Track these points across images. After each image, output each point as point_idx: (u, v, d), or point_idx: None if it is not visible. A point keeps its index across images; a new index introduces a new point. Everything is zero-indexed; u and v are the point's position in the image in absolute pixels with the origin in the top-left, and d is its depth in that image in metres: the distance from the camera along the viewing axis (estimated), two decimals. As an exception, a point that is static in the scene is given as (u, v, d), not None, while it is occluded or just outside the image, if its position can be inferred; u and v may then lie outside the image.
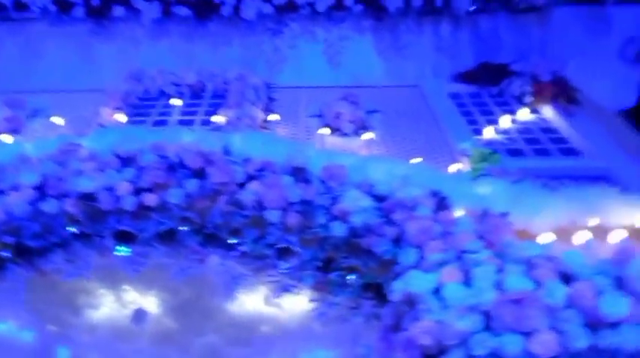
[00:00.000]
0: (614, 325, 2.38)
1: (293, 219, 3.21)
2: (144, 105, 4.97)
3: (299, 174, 3.39)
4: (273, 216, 3.22)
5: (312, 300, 3.44)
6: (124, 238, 3.28)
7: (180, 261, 3.42)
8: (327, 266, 3.17)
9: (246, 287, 4.33)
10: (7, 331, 4.19)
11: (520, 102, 5.20)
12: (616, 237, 3.28)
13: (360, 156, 3.69)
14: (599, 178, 4.01)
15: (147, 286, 4.22)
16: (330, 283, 3.12)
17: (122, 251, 3.28)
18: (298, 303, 4.49)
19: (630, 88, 6.30)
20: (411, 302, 2.45)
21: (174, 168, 3.28)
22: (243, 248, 3.33)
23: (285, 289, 3.42)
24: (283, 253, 3.20)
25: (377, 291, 3.24)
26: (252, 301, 4.39)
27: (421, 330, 2.31)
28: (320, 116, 4.51)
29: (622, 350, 2.36)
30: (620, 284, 2.47)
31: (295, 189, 3.27)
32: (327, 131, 4.37)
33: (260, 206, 3.24)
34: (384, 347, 2.55)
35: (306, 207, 3.22)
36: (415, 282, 2.48)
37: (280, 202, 3.22)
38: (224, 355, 4.52)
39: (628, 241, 3.07)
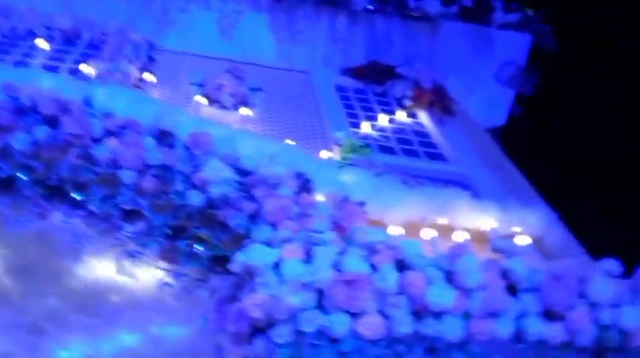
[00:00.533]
0: (438, 315, 2.51)
1: (148, 183, 3.08)
2: (7, 43, 4.57)
3: (163, 137, 3.27)
4: (127, 176, 3.07)
5: (159, 269, 3.32)
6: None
7: (18, 213, 3.16)
8: (176, 234, 3.07)
9: (96, 251, 4.13)
10: None
11: (400, 104, 5.40)
12: (459, 236, 3.49)
13: (230, 129, 3.63)
14: (456, 183, 4.24)
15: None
16: (177, 252, 3.03)
17: None
18: (152, 274, 4.36)
19: (501, 108, 6.78)
20: (249, 274, 2.44)
21: (24, 111, 3.03)
22: (89, 207, 3.14)
23: (131, 255, 3.27)
24: (131, 216, 3.06)
25: (226, 266, 3.20)
26: (104, 268, 4.19)
27: (253, 303, 2.30)
28: (201, 85, 4.39)
29: (443, 338, 2.50)
30: (450, 277, 2.62)
31: (156, 152, 3.15)
32: (204, 101, 4.26)
33: (114, 164, 3.08)
34: (217, 318, 2.52)
35: (164, 171, 3.11)
36: (256, 255, 2.47)
37: (137, 163, 3.08)
38: (68, 322, 4.28)
39: (467, 241, 3.26)
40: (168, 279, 4.08)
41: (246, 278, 2.45)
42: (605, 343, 2.74)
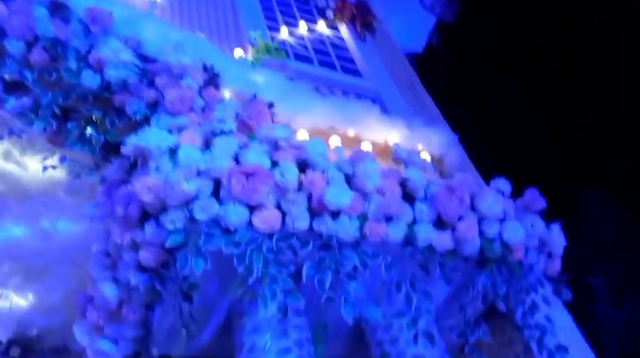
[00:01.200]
0: (335, 214, 2.52)
1: (38, 56, 2.80)
2: None
3: (57, 9, 2.95)
4: (14, 46, 2.76)
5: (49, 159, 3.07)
6: None
7: None
8: (66, 116, 2.84)
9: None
10: None
11: (322, 14, 5.23)
12: (364, 147, 3.51)
13: (135, 11, 3.34)
14: (367, 98, 4.24)
15: None
16: (66, 134, 2.81)
17: None
18: (42, 165, 4.08)
19: (421, 34, 6.79)
20: (142, 158, 2.31)
21: None
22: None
23: (11, 132, 3.00)
24: (15, 89, 2.78)
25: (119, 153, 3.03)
26: (-6, 154, 3.87)
27: (145, 186, 2.19)
28: (106, -36, 3.97)
29: (337, 237, 2.53)
30: (349, 180, 2.62)
31: (48, 23, 2.84)
32: (109, -20, 3.88)
33: (1, 32, 2.76)
34: (106, 202, 2.39)
35: (56, 46, 2.83)
36: (151, 138, 2.33)
37: (25, 33, 2.77)
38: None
39: (371, 151, 3.28)
40: (59, 171, 3.85)
41: (137, 162, 2.31)
42: (489, 254, 2.89)
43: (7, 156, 3.91)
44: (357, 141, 3.61)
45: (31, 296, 4.45)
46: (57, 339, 4.74)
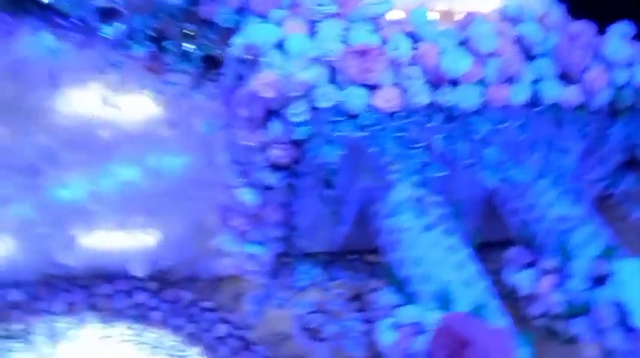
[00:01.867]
0: (454, 83, 2.40)
1: (121, -20, 2.75)
2: None
3: None
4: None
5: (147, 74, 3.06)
6: None
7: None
8: (161, 36, 2.81)
9: (76, 82, 3.88)
10: None
11: None
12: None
13: None
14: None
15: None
16: (165, 53, 2.78)
17: None
18: (141, 106, 4.16)
19: None
20: (251, 56, 2.25)
21: None
22: (60, 19, 2.83)
23: (114, 65, 3.02)
24: (108, 16, 2.76)
25: (219, 70, 3.00)
26: (87, 101, 3.98)
27: (263, 83, 2.14)
28: None
29: (458, 107, 2.41)
30: (463, 45, 2.47)
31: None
32: None
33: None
34: (225, 109, 2.38)
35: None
36: (257, 35, 2.26)
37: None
38: (62, 160, 4.16)
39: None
40: (155, 107, 3.92)
41: (248, 61, 2.26)
42: (620, 103, 2.68)
43: (105, 101, 4.02)
44: (451, 15, 3.38)
45: (156, 233, 4.69)
46: (188, 270, 5.04)
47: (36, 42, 2.95)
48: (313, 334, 3.60)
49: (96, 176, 4.33)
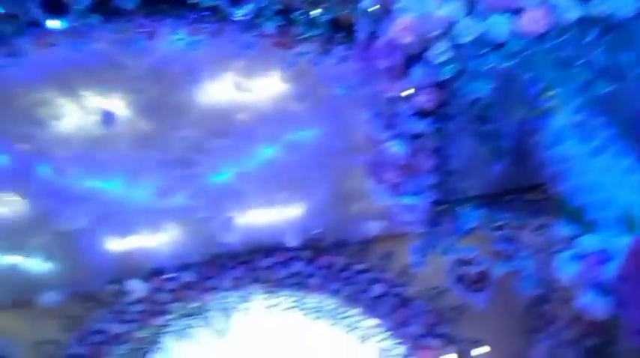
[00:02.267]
0: (605, -7, 2.17)
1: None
2: None
3: None
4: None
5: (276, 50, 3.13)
6: (56, 10, 2.87)
7: (126, 36, 3.08)
8: (288, 10, 2.86)
9: (211, 74, 4.09)
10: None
11: None
12: None
13: None
14: None
15: (106, 88, 3.97)
16: (293, 23, 2.83)
17: (54, 24, 2.86)
18: (271, 85, 4.30)
19: None
20: (384, 6, 2.21)
21: None
22: (193, 14, 2.98)
23: (246, 47, 3.13)
24: (237, 1, 2.86)
25: (347, 32, 3.00)
26: (222, 89, 4.19)
27: (401, 28, 2.10)
28: None
29: (615, 16, 2.19)
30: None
31: None
32: None
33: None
34: (363, 64, 2.37)
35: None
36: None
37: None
38: (209, 148, 4.43)
39: None
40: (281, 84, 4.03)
41: (381, 12, 2.22)
42: None
43: (238, 86, 4.20)
44: None
45: (303, 204, 4.87)
46: (337, 236, 5.19)
47: (174, 40, 3.16)
48: (472, 283, 3.55)
49: (241, 158, 4.58)
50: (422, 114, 2.25)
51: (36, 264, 4.73)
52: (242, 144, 4.53)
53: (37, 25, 2.76)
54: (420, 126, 2.27)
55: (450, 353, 4.92)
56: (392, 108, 2.35)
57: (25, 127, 3.92)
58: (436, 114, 2.23)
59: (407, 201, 2.48)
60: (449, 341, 4.92)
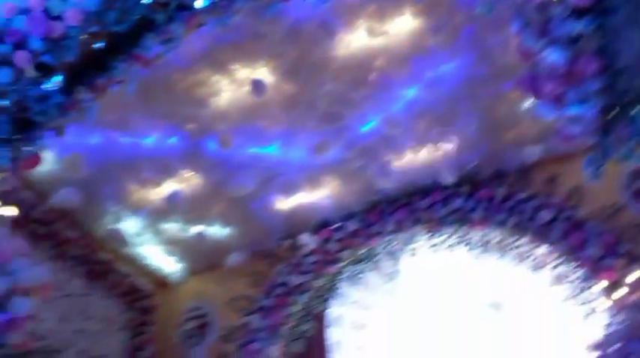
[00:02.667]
0: None
1: None
2: None
3: None
4: None
5: None
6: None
7: (263, 3, 3.21)
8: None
9: (344, 22, 4.14)
10: (154, 143, 4.51)
11: None
12: None
13: None
14: None
15: (251, 58, 4.21)
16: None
17: (200, 3, 3.00)
18: (405, 24, 4.25)
19: None
20: None
21: None
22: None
23: None
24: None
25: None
26: (356, 37, 4.23)
27: None
28: None
29: None
30: None
31: None
32: None
33: None
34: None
35: None
36: None
37: None
38: (353, 100, 4.51)
39: None
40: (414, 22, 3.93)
41: None
42: None
43: (372, 31, 4.21)
44: None
45: (454, 139, 4.80)
46: (493, 167, 5.05)
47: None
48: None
49: (386, 104, 4.62)
50: (578, 13, 2.10)
51: (219, 231, 5.25)
52: (384, 89, 4.56)
53: (185, 8, 2.95)
54: (578, 26, 2.13)
55: (637, 271, 4.62)
56: (543, 13, 2.22)
57: (188, 109, 4.32)
58: (594, 10, 2.07)
59: (572, 112, 2.35)
60: (633, 258, 4.62)
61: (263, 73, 4.29)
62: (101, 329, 4.90)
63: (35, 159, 3.10)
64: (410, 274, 5.83)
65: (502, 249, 5.25)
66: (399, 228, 5.13)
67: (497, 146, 4.88)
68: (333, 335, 5.66)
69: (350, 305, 5.76)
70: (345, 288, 5.35)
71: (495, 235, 5.20)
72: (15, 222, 3.20)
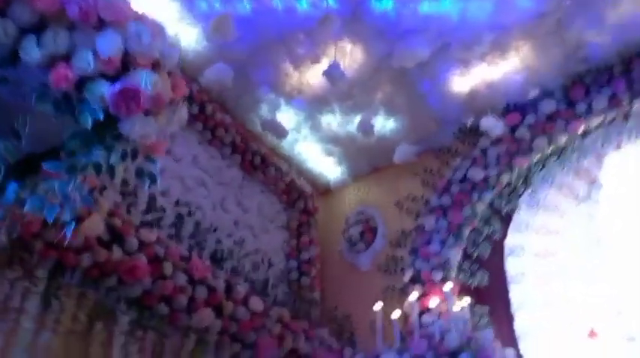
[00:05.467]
0: None
1: None
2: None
3: None
4: None
5: None
6: None
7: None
8: None
9: None
10: (309, 10, 3.87)
11: None
12: None
13: None
14: None
15: None
16: None
17: None
18: None
19: None
20: None
21: None
22: None
23: None
24: None
25: None
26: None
27: None
28: None
29: None
30: None
31: None
32: None
33: None
34: None
35: None
36: None
37: None
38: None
39: None
40: None
41: None
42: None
43: None
44: None
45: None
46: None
47: None
48: None
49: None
50: None
51: (384, 123, 4.57)
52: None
53: None
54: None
55: None
56: None
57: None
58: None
59: None
60: None
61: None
62: (260, 224, 4.48)
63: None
64: (614, 182, 4.60)
65: None
66: (613, 106, 4.00)
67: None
68: (514, 265, 4.58)
69: (534, 230, 4.65)
70: (537, 184, 4.30)
71: None
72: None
